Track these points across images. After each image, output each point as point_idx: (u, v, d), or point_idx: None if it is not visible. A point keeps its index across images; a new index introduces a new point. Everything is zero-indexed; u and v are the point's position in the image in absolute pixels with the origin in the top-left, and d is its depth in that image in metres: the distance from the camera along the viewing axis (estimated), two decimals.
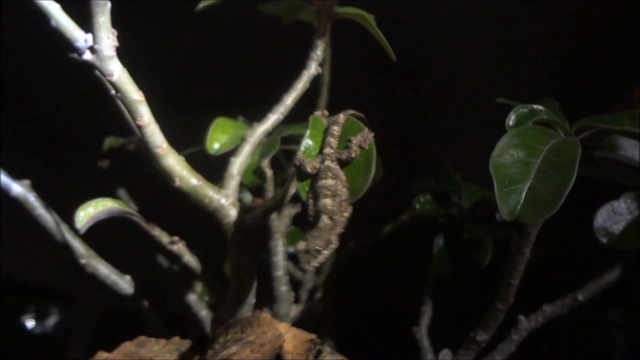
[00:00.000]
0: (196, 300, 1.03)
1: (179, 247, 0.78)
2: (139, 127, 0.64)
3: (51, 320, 1.60)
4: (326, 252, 0.53)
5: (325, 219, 0.55)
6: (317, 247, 0.52)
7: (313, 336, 0.71)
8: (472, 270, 0.85)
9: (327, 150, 0.60)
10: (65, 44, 0.61)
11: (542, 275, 0.91)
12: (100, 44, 0.58)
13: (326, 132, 0.62)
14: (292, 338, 0.70)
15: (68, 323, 1.61)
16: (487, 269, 0.90)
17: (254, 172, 0.81)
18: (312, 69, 0.78)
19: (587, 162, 0.77)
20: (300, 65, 0.81)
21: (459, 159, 1.04)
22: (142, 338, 0.81)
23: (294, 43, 0.97)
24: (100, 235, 0.99)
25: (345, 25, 0.82)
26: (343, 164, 0.59)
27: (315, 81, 1.02)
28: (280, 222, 0.94)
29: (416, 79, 1.19)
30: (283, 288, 0.93)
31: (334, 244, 0.54)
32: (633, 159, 0.76)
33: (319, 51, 0.78)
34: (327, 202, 0.55)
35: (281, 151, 0.94)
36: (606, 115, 0.67)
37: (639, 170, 0.76)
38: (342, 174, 0.58)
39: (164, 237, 0.77)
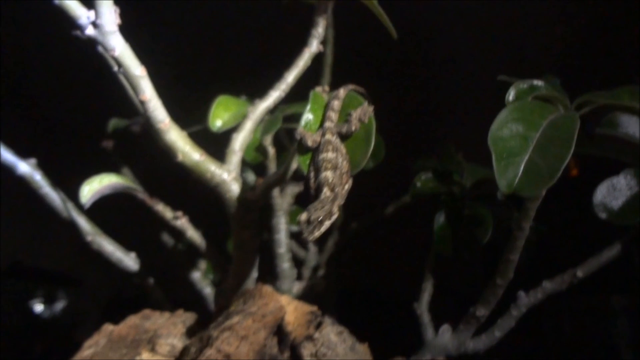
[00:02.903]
0: (200, 277, 1.05)
1: (182, 222, 0.79)
2: (142, 103, 0.65)
3: (59, 305, 1.62)
4: (327, 223, 0.54)
5: (326, 191, 0.55)
6: (319, 218, 0.53)
7: (314, 308, 0.72)
8: (472, 247, 0.86)
9: (328, 124, 0.60)
10: (68, 22, 0.62)
11: (543, 253, 0.92)
12: (102, 19, 0.58)
13: (327, 106, 0.63)
14: (293, 310, 0.72)
15: (76, 307, 1.63)
16: (488, 246, 0.91)
17: (256, 149, 0.82)
18: (313, 46, 0.78)
19: (587, 140, 0.77)
20: (302, 43, 0.82)
21: (461, 138, 1.05)
22: (147, 311, 0.83)
23: (296, 22, 0.98)
24: (106, 215, 1.01)
25: (347, 5, 0.82)
26: (343, 137, 0.60)
27: (318, 61, 1.02)
28: (283, 200, 0.95)
29: (418, 59, 1.19)
30: (285, 265, 0.94)
31: (335, 214, 0.55)
32: (633, 136, 0.77)
33: (320, 29, 0.78)
34: (328, 174, 0.56)
35: (283, 130, 0.95)
36: (606, 91, 0.67)
37: (639, 147, 0.76)
38: (342, 147, 0.59)
39: (167, 213, 0.78)
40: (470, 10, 1.07)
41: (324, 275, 1.05)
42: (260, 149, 0.81)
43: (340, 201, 0.56)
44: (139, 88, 0.63)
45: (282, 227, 0.94)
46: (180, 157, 0.69)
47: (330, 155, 0.57)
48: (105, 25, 0.58)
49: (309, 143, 0.59)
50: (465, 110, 1.18)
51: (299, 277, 1.02)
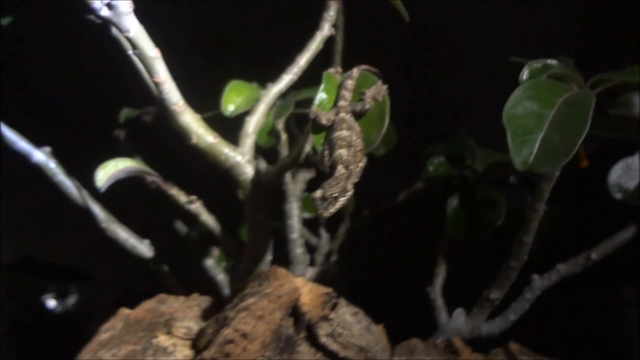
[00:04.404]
0: (213, 264, 1.05)
1: (196, 206, 0.79)
2: (156, 84, 0.65)
3: (71, 300, 1.63)
4: (342, 200, 0.54)
5: (340, 169, 0.56)
6: (333, 194, 0.53)
7: (329, 290, 0.72)
8: (485, 230, 0.86)
9: (342, 102, 0.60)
10: (81, 9, 0.62)
11: (557, 237, 0.91)
12: (117, 0, 0.59)
13: (340, 86, 0.63)
14: (308, 291, 0.72)
15: (88, 302, 1.64)
16: (501, 231, 0.91)
17: (269, 133, 0.82)
18: (325, 29, 0.79)
19: (602, 121, 0.77)
20: (311, 29, 0.82)
21: (472, 124, 1.04)
22: (162, 295, 0.84)
23: (306, 7, 0.98)
24: (119, 203, 1.02)
25: None
26: (357, 115, 0.60)
27: (329, 48, 1.02)
28: (295, 186, 0.95)
29: (428, 44, 1.18)
30: (298, 250, 0.94)
31: (350, 192, 0.55)
32: None
33: (332, 12, 0.78)
34: (342, 152, 0.56)
35: (293, 118, 0.95)
36: (620, 69, 0.67)
37: None
38: (356, 126, 0.59)
39: (181, 197, 0.78)
40: None
41: (336, 262, 1.06)
42: (273, 132, 0.82)
43: (354, 179, 0.56)
44: (153, 69, 0.64)
45: (294, 213, 0.94)
46: (194, 140, 0.69)
47: (344, 133, 0.57)
48: (119, 6, 0.59)
49: (323, 121, 0.59)
50: (476, 96, 1.18)
51: (312, 263, 1.02)
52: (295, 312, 0.70)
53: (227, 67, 0.89)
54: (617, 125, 0.81)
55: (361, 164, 0.58)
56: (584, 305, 1.15)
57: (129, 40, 0.61)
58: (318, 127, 0.61)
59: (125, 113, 1.14)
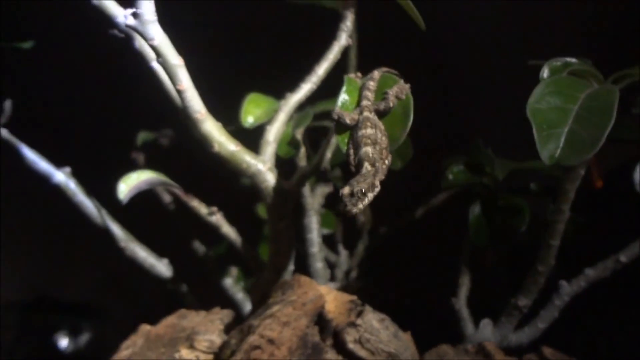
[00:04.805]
0: (232, 284, 1.04)
1: (217, 217, 0.79)
2: (179, 92, 0.66)
3: (84, 338, 1.61)
4: (370, 196, 0.54)
5: (367, 166, 0.55)
6: (362, 190, 0.52)
7: (354, 297, 0.71)
8: (509, 237, 0.84)
9: (365, 102, 0.61)
10: (105, 21, 0.64)
11: (582, 245, 0.90)
12: (142, 8, 0.60)
13: (362, 87, 0.63)
14: (333, 299, 0.71)
15: (101, 340, 1.63)
16: (523, 242, 0.90)
17: (289, 144, 0.82)
18: (342, 39, 0.79)
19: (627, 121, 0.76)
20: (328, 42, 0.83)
21: (489, 135, 1.04)
22: (183, 311, 0.83)
23: (321, 21, 0.99)
24: (137, 224, 1.02)
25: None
26: (381, 114, 0.60)
27: (341, 63, 1.03)
28: (314, 200, 0.95)
29: (442, 54, 1.19)
30: (319, 264, 0.93)
31: (377, 188, 0.55)
32: None
33: (349, 22, 0.79)
34: (368, 150, 0.56)
35: (312, 128, 0.95)
36: None
37: None
38: (380, 124, 0.59)
39: (202, 209, 0.78)
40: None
41: (357, 278, 1.04)
42: (292, 142, 0.82)
43: (381, 175, 0.56)
44: (176, 77, 0.64)
45: (314, 227, 0.94)
46: (216, 148, 0.70)
47: (369, 131, 0.57)
48: (144, 14, 0.60)
49: (347, 120, 0.60)
50: (492, 106, 1.18)
51: (332, 278, 1.01)
52: (320, 319, 0.68)
53: (242, 81, 0.90)
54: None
55: (387, 162, 0.58)
56: (610, 327, 1.12)
57: (154, 48, 0.62)
58: (342, 127, 0.61)
59: (142, 136, 1.15)
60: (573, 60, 0.68)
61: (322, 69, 0.79)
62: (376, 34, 0.84)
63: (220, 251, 1.11)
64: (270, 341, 0.60)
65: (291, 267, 0.77)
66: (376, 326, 0.67)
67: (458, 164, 0.92)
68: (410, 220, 1.13)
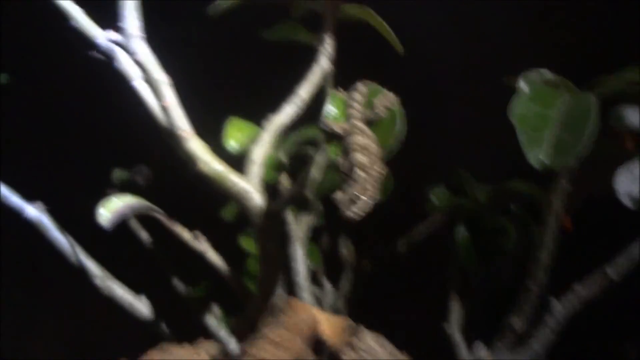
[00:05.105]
0: (216, 323, 1.00)
1: (202, 242, 0.76)
2: (163, 109, 0.65)
3: None
4: (365, 200, 0.53)
5: (359, 172, 0.55)
6: (355, 193, 0.52)
7: (347, 319, 0.69)
8: (497, 257, 0.84)
9: (353, 111, 0.61)
10: (85, 45, 0.64)
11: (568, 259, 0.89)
12: (126, 23, 0.60)
13: (348, 99, 0.64)
14: (326, 320, 0.68)
15: None
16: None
17: (274, 168, 0.81)
18: (322, 62, 0.80)
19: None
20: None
21: (467, 161, 1.05)
22: (165, 345, 0.78)
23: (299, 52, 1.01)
24: (113, 262, 0.98)
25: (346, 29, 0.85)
26: (369, 123, 0.60)
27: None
28: (298, 227, 0.93)
29: (416, 82, 1.21)
30: (305, 295, 0.90)
31: (372, 194, 0.54)
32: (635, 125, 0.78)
33: (327, 45, 0.81)
34: (358, 156, 0.56)
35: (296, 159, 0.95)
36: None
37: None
38: (369, 132, 0.59)
39: (185, 234, 0.76)
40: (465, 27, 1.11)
41: (343, 310, 1.01)
42: (278, 166, 0.81)
43: (374, 182, 0.56)
44: (161, 94, 0.64)
45: (298, 256, 0.91)
46: (201, 166, 0.68)
47: (359, 138, 0.58)
48: (128, 28, 0.60)
49: (336, 129, 0.60)
50: (467, 131, 1.20)
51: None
52: (314, 341, 0.65)
53: (219, 107, 0.89)
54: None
55: (379, 169, 0.57)
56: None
57: (138, 63, 0.62)
58: (331, 137, 0.60)
59: (117, 174, 1.13)
60: (546, 71, 0.70)
61: (304, 90, 0.79)
62: (349, 62, 0.85)
63: (201, 293, 1.07)
64: None
65: (280, 291, 0.74)
66: (373, 346, 0.64)
67: (440, 187, 0.92)
68: (394, 251, 1.12)
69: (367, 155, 0.56)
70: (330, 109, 0.63)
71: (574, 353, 0.77)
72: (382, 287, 1.21)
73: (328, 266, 1.17)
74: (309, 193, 1.01)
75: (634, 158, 0.75)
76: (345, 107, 0.63)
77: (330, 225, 1.12)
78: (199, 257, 1.00)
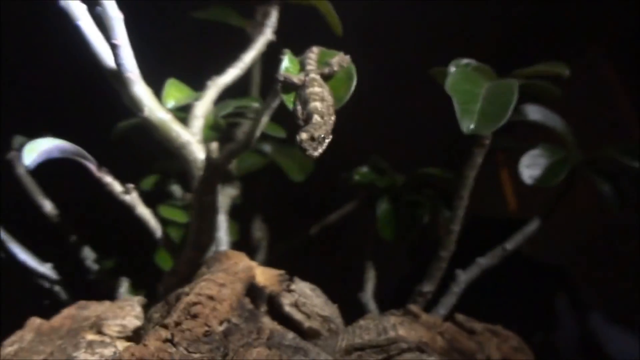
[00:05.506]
0: (124, 294, 0.96)
1: (133, 196, 0.74)
2: (113, 48, 0.64)
3: None
4: (327, 142, 0.56)
5: (317, 117, 0.58)
6: (321, 136, 0.55)
7: (281, 271, 0.71)
8: (412, 230, 0.91)
9: (310, 67, 0.64)
10: None
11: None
12: None
13: (303, 57, 0.67)
14: (261, 272, 0.69)
15: None
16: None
17: (211, 128, 0.81)
18: (267, 34, 0.83)
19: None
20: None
21: (385, 149, 1.12)
22: (82, 302, 0.74)
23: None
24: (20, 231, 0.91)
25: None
26: (325, 78, 0.64)
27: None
28: (223, 199, 0.93)
29: None
30: None
31: (330, 137, 0.57)
32: (538, 121, 0.91)
33: (273, 18, 0.84)
34: (317, 104, 0.59)
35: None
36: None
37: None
38: (326, 85, 0.63)
39: (116, 186, 0.73)
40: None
41: None
42: (215, 127, 0.81)
43: (329, 127, 0.59)
44: (113, 31, 0.62)
45: (223, 226, 0.91)
46: (146, 112, 0.67)
47: (317, 89, 0.61)
48: None
49: (295, 80, 0.62)
50: (388, 121, 1.28)
51: None
52: (252, 288, 0.66)
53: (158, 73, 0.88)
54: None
55: (333, 117, 0.61)
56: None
57: None
58: (289, 87, 0.63)
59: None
60: (472, 60, 0.79)
61: (248, 57, 0.81)
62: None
63: (109, 265, 1.03)
64: (210, 297, 0.57)
65: (214, 247, 0.74)
66: (309, 293, 0.67)
67: (362, 166, 0.98)
68: (309, 235, 1.16)
69: (324, 105, 0.59)
70: (286, 64, 0.66)
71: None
72: (300, 264, 1.24)
73: (243, 244, 1.18)
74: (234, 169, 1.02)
75: (537, 147, 0.87)
76: (300, 64, 0.66)
77: (247, 206, 1.13)
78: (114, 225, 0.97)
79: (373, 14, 1.20)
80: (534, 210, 0.92)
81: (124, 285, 0.97)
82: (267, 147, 1.08)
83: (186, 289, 0.62)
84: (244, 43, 0.86)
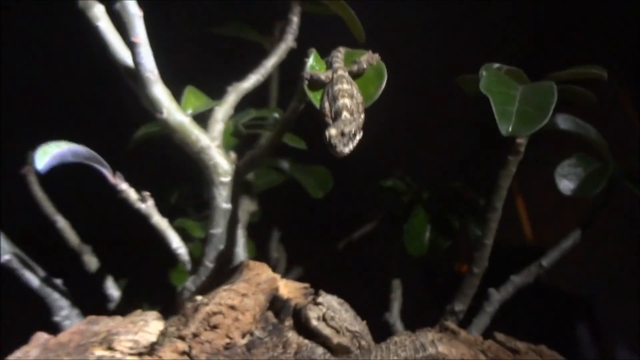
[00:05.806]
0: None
1: (149, 205, 0.70)
2: (133, 45, 0.61)
3: None
4: (357, 138, 0.53)
5: (346, 114, 0.55)
6: (351, 132, 0.51)
7: (306, 284, 0.66)
8: (441, 245, 0.86)
9: (337, 64, 0.61)
10: None
11: None
12: None
13: (330, 56, 0.64)
14: (284, 285, 0.65)
15: None
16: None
17: (232, 134, 0.78)
18: (289, 41, 0.81)
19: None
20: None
21: (406, 165, 1.09)
22: (92, 317, 0.69)
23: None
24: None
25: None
26: (353, 76, 0.61)
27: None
28: (241, 213, 0.89)
29: None
30: None
31: (360, 134, 0.54)
32: (570, 131, 0.86)
33: (294, 25, 0.81)
34: (346, 101, 0.56)
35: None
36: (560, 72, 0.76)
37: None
38: (354, 83, 0.59)
39: (132, 194, 0.69)
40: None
41: None
42: (235, 133, 0.78)
43: (359, 124, 0.56)
44: (133, 29, 0.60)
45: (240, 240, 0.87)
46: (165, 114, 0.64)
47: (345, 86, 0.58)
48: None
49: (322, 77, 0.59)
50: (411, 136, 1.24)
51: None
52: (275, 301, 0.62)
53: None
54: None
55: (362, 116, 0.57)
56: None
57: None
58: (316, 84, 0.60)
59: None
60: (504, 65, 0.76)
61: (270, 63, 0.78)
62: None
63: (123, 281, 0.99)
64: (232, 307, 0.53)
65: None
66: (337, 307, 0.62)
67: (393, 179, 0.95)
68: (328, 254, 1.12)
69: (354, 102, 0.56)
70: (312, 63, 0.62)
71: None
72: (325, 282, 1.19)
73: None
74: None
75: (572, 157, 0.83)
76: (326, 63, 0.63)
77: (264, 224, 1.09)
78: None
79: (393, 21, 1.18)
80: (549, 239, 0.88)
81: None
82: (285, 165, 1.05)
83: (205, 299, 0.57)
84: (260, 53, 0.85)
